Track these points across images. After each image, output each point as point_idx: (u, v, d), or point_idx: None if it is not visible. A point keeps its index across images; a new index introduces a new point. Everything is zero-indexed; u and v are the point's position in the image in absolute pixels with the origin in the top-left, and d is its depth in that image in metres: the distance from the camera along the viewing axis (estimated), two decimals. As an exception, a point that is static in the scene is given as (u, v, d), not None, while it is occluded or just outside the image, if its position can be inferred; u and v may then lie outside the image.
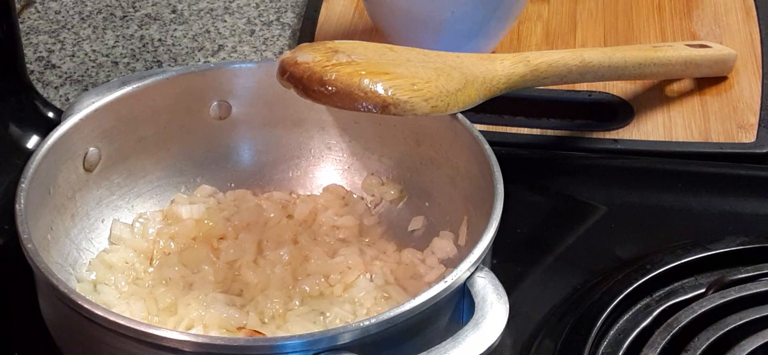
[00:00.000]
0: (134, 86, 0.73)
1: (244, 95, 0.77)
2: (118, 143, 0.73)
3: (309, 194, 0.78)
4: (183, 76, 0.75)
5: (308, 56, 0.68)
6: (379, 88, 0.66)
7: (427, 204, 0.75)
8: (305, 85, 0.66)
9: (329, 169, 0.79)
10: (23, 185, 0.65)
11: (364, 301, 0.69)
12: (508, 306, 0.60)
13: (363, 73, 0.66)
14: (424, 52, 0.72)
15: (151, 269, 0.72)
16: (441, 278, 0.61)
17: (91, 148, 0.72)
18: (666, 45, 0.88)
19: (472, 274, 0.61)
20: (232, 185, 0.78)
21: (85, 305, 0.58)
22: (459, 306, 0.62)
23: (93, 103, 0.72)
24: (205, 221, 0.74)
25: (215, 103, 0.77)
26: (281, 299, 0.69)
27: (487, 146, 0.68)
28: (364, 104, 0.65)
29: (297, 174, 0.79)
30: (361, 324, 0.57)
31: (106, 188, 0.73)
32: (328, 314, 0.68)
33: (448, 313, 0.61)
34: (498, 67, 0.74)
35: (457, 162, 0.72)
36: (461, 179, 0.72)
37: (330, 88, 0.66)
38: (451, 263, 0.71)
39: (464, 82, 0.70)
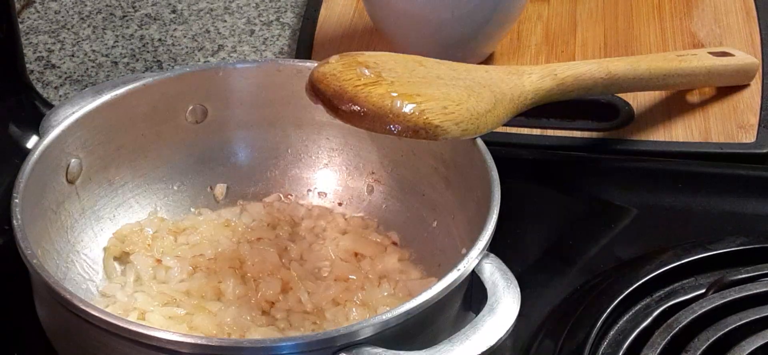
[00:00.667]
0: (110, 95, 0.73)
1: (220, 98, 0.77)
2: (97, 153, 0.73)
3: (291, 198, 0.78)
4: (157, 83, 0.74)
5: (336, 71, 0.66)
6: (412, 112, 0.64)
7: (421, 201, 0.75)
8: (334, 104, 0.65)
9: (317, 170, 0.79)
10: (17, 200, 0.65)
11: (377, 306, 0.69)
12: (519, 289, 0.61)
13: (395, 95, 0.64)
14: (453, 66, 0.71)
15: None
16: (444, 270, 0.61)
17: (73, 160, 0.72)
18: (689, 54, 0.87)
19: (480, 261, 0.62)
20: (210, 188, 0.78)
21: (81, 306, 0.58)
22: (467, 294, 0.62)
23: (72, 114, 0.71)
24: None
25: (191, 107, 0.76)
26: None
27: (478, 139, 0.68)
28: (395, 127, 0.64)
29: (275, 174, 0.79)
30: (381, 318, 0.57)
31: (88, 199, 0.73)
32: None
33: (459, 301, 0.62)
34: (526, 82, 0.73)
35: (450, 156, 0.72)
36: (453, 174, 0.72)
37: (361, 110, 0.64)
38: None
39: (494, 101, 0.69)
